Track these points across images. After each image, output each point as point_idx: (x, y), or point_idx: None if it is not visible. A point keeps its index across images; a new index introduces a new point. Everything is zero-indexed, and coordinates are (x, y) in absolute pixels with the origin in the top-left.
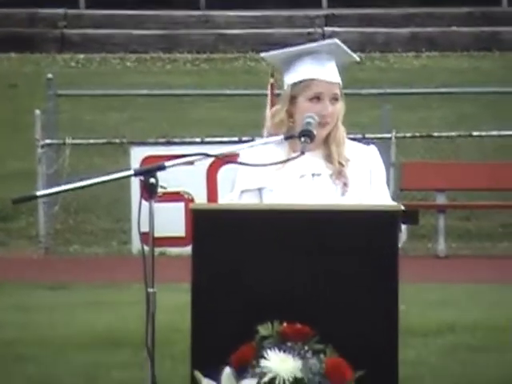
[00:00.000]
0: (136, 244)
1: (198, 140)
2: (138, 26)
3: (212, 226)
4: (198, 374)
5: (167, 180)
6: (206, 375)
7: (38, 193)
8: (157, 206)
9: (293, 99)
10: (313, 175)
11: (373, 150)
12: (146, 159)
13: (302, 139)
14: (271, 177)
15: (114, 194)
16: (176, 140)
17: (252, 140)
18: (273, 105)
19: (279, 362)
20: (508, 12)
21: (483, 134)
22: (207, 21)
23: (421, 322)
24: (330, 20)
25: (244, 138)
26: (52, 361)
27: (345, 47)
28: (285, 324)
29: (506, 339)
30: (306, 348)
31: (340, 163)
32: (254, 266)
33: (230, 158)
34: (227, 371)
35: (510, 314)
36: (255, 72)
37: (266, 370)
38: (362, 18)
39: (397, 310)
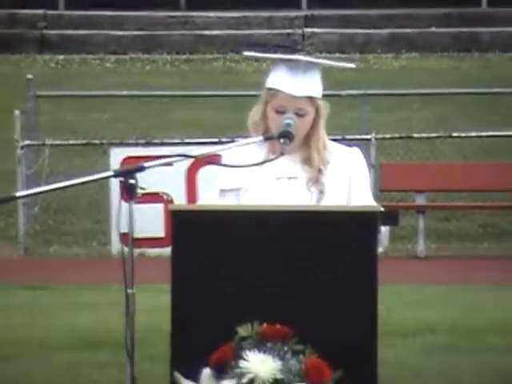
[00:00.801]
0: (116, 245)
1: (177, 141)
2: (118, 27)
3: (191, 227)
4: (177, 375)
5: (146, 180)
6: (185, 376)
7: (18, 194)
8: (136, 206)
9: (266, 103)
10: (289, 178)
11: (355, 152)
12: (126, 160)
13: (282, 140)
14: (248, 177)
15: (93, 194)
16: (156, 141)
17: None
18: None
19: (259, 362)
20: (487, 12)
21: (463, 135)
22: (187, 22)
23: (400, 322)
24: (309, 21)
25: (224, 139)
26: (32, 361)
27: (330, 62)
28: (264, 325)
29: (485, 340)
30: (286, 349)
31: (319, 169)
32: (234, 267)
33: (211, 159)
34: (206, 372)
35: (490, 315)
36: (235, 72)
37: (245, 370)
38: (341, 18)
39: (376, 311)
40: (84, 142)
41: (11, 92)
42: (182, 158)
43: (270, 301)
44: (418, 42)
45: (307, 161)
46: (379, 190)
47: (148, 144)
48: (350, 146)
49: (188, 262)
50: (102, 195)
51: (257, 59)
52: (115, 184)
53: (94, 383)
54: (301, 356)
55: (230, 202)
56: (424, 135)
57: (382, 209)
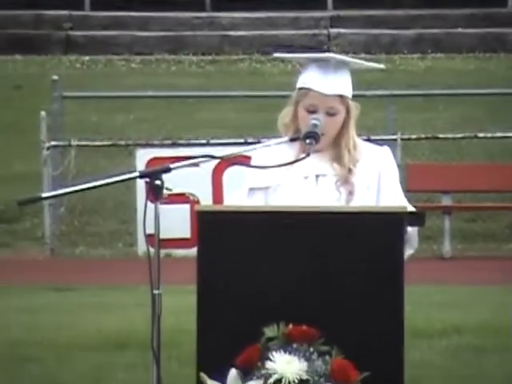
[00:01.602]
0: (142, 246)
1: (203, 141)
2: (143, 28)
3: (217, 228)
4: (203, 376)
5: (173, 182)
6: (211, 377)
7: (44, 194)
8: (162, 207)
9: (296, 103)
10: (317, 176)
11: (385, 151)
12: (152, 161)
13: (308, 141)
14: (277, 177)
15: (119, 195)
16: (181, 142)
17: (258, 142)
18: None
19: (285, 363)
20: None
21: (488, 135)
22: (212, 22)
23: (426, 323)
24: (335, 21)
25: (249, 140)
26: (57, 362)
27: (360, 62)
28: (290, 325)
29: (511, 340)
30: (312, 349)
31: (349, 169)
32: (260, 268)
33: (238, 160)
34: (233, 373)
35: None
36: (260, 73)
37: (271, 371)
38: (367, 19)
39: (403, 312)
40: (110, 142)
41: (37, 93)
42: (208, 158)
43: (297, 301)
44: (444, 43)
45: (337, 159)
46: (405, 191)
47: (174, 145)
48: (380, 145)
49: (214, 262)
50: (128, 196)
51: (282, 60)
52: (141, 185)
53: None
54: (327, 357)
55: (258, 200)
56: (450, 136)
57: (412, 209)
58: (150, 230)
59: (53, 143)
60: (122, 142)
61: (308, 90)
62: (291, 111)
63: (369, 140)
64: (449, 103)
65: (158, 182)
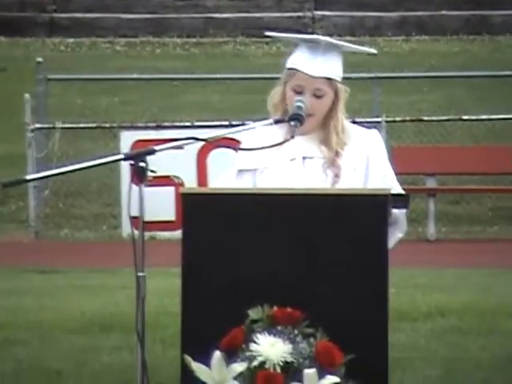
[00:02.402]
0: (126, 228)
1: (187, 124)
2: (128, 10)
3: (202, 210)
4: (187, 358)
5: (157, 164)
6: (196, 359)
7: (28, 177)
8: (147, 190)
9: (285, 84)
10: (304, 158)
11: (374, 134)
12: (136, 143)
13: (292, 123)
14: (265, 159)
15: (103, 178)
16: (166, 124)
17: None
18: None
19: (269, 345)
20: None
21: (473, 117)
22: (197, 5)
23: (411, 305)
24: (319, 4)
25: (234, 122)
26: (41, 345)
27: (352, 46)
28: (275, 308)
29: (496, 323)
30: (296, 332)
31: (336, 152)
32: (244, 250)
33: (225, 142)
34: (217, 355)
35: (500, 298)
36: (245, 56)
37: (255, 353)
38: (351, 2)
39: (387, 294)
40: (94, 125)
41: (21, 75)
42: (192, 140)
43: (282, 284)
44: (428, 25)
45: (325, 142)
46: None
47: (158, 127)
48: (369, 128)
49: (199, 245)
50: (113, 179)
51: (267, 42)
52: (126, 167)
53: (104, 366)
54: (311, 339)
55: (246, 182)
56: (434, 118)
57: (400, 191)
58: (135, 213)
59: (37, 125)
60: (107, 125)
61: (295, 70)
62: (280, 92)
63: (354, 122)
64: (433, 86)
65: (142, 165)
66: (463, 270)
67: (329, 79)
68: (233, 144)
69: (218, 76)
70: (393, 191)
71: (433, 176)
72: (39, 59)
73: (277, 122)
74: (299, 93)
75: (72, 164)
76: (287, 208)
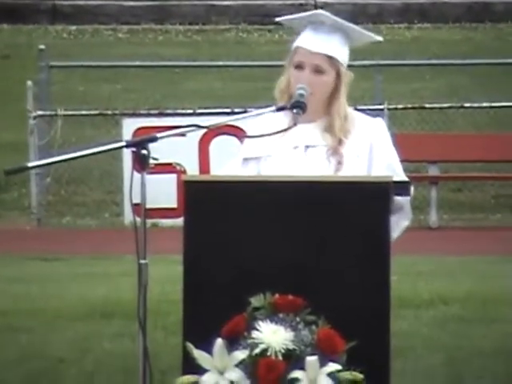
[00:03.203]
0: (128, 215)
1: (190, 111)
2: None
3: (204, 198)
4: (189, 346)
5: (159, 151)
6: (197, 347)
7: (30, 164)
8: (149, 177)
9: (289, 64)
10: (306, 147)
11: (378, 122)
12: (138, 130)
13: (294, 111)
14: (268, 146)
15: (105, 165)
16: (168, 111)
17: (244, 111)
18: None
19: (271, 333)
20: None
21: (475, 105)
22: None
23: (413, 293)
24: None
25: (236, 110)
26: (44, 331)
27: (358, 28)
28: (277, 295)
29: (498, 310)
30: (298, 319)
31: (339, 139)
32: (246, 237)
33: (230, 131)
34: (219, 342)
35: (502, 286)
36: (247, 43)
37: (257, 341)
38: None
39: (389, 282)
40: (96, 112)
41: (24, 63)
42: (195, 128)
43: (284, 271)
44: (430, 13)
45: (328, 129)
46: None
47: (160, 114)
48: (373, 116)
49: (200, 232)
50: (115, 166)
51: (269, 30)
52: (128, 154)
53: (106, 353)
54: (313, 327)
55: (251, 170)
56: (436, 105)
57: (405, 179)
58: (137, 200)
59: (39, 113)
60: (109, 112)
61: (297, 47)
62: (286, 76)
63: (356, 110)
64: (435, 73)
65: (144, 152)
66: (465, 258)
67: (330, 58)
68: (235, 131)
69: (220, 63)
70: (395, 178)
71: (435, 163)
72: (41, 46)
73: (279, 109)
74: (300, 68)
75: (74, 151)
76: (288, 195)
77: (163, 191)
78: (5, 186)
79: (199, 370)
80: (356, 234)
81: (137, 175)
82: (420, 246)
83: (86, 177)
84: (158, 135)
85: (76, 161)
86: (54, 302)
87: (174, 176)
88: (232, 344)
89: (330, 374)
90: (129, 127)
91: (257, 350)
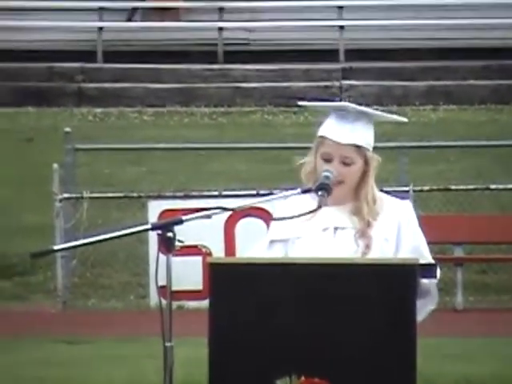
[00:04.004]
0: (154, 298)
1: (215, 193)
2: (155, 80)
3: (229, 280)
4: None
5: (185, 233)
6: None
7: (56, 247)
8: (174, 259)
9: (315, 152)
10: (335, 229)
11: (406, 204)
12: (164, 213)
13: (319, 193)
14: (296, 228)
15: (131, 247)
16: (193, 193)
17: (270, 193)
18: None
19: None
20: None
21: (500, 187)
22: (224, 74)
23: (438, 375)
24: (347, 73)
25: (261, 192)
26: None
27: (381, 114)
28: (303, 378)
29: None
30: None
31: (368, 221)
32: (272, 320)
33: (255, 213)
34: None
35: None
36: (273, 125)
37: None
38: (379, 71)
39: (415, 365)
40: (122, 194)
41: (49, 145)
42: (220, 210)
43: (309, 354)
44: (455, 94)
45: (356, 212)
46: None
47: (186, 197)
48: (402, 198)
49: (226, 315)
50: (140, 248)
51: (294, 112)
52: (153, 237)
53: None
54: None
55: (277, 252)
56: (462, 187)
57: (431, 261)
58: (162, 282)
59: (65, 195)
60: (134, 194)
61: (324, 138)
62: (312, 160)
63: (381, 191)
64: (461, 155)
65: (169, 234)
66: (491, 340)
67: (357, 147)
68: (260, 213)
69: (245, 145)
70: (421, 261)
71: (460, 245)
72: (67, 129)
73: (304, 191)
74: (328, 160)
75: (100, 234)
76: (315, 277)
77: (189, 273)
78: (31, 269)
79: None
80: (383, 317)
81: (162, 257)
82: (446, 328)
83: (112, 259)
84: (184, 218)
85: (102, 243)
86: None
87: (199, 258)
88: None
89: None
90: (154, 209)
91: None
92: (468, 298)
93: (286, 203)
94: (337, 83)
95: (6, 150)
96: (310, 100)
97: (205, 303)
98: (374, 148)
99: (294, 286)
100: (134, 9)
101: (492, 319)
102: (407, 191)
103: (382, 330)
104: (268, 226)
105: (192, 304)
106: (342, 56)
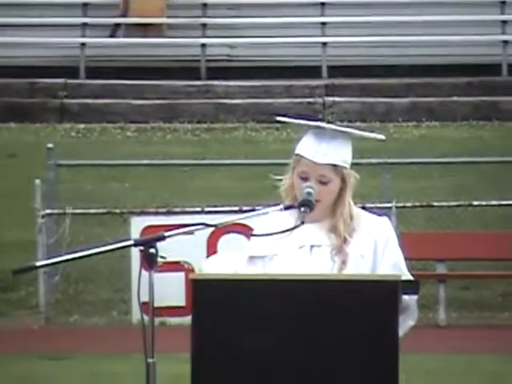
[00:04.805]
0: (136, 314)
1: (198, 209)
2: (138, 96)
3: (212, 296)
4: None
5: (167, 249)
6: None
7: (38, 263)
8: (157, 275)
9: (292, 170)
10: (312, 247)
11: (384, 221)
12: (146, 229)
13: (302, 209)
14: (274, 245)
15: (114, 263)
16: (176, 210)
17: (252, 209)
18: None
19: None
20: (507, 81)
21: (483, 203)
22: (207, 90)
23: None
24: (330, 90)
25: (244, 208)
26: None
27: (359, 132)
28: None
29: None
30: None
31: (344, 238)
32: (254, 336)
33: (238, 229)
34: None
35: None
36: (255, 142)
37: None
38: (362, 87)
39: (397, 380)
40: (104, 210)
41: (32, 161)
42: (203, 226)
43: (292, 370)
44: (438, 111)
45: (333, 229)
46: None
47: (168, 213)
48: (379, 215)
49: (208, 331)
50: (123, 264)
51: (277, 128)
52: (136, 253)
53: None
54: None
55: (257, 268)
56: (444, 204)
57: (409, 278)
58: (145, 298)
59: (48, 211)
60: (117, 210)
61: (300, 157)
62: (289, 177)
63: (364, 208)
64: (444, 171)
65: (152, 250)
66: (474, 356)
67: (334, 166)
68: (243, 230)
69: (228, 162)
70: (403, 277)
71: (443, 262)
72: (50, 145)
73: (286, 208)
74: (305, 179)
75: (82, 250)
76: (298, 294)
77: (171, 289)
78: (12, 285)
79: None
80: (364, 333)
81: (145, 273)
82: (428, 345)
83: (95, 275)
84: (166, 234)
85: (84, 259)
86: None
87: (182, 274)
88: None
89: None
90: (137, 226)
91: None
92: (451, 315)
93: (265, 219)
94: (320, 100)
95: None
96: (292, 116)
97: (187, 319)
98: (357, 164)
99: (276, 302)
100: (117, 25)
101: (475, 335)
102: (390, 207)
103: (364, 346)
104: (248, 241)
105: (174, 320)
106: (324, 72)
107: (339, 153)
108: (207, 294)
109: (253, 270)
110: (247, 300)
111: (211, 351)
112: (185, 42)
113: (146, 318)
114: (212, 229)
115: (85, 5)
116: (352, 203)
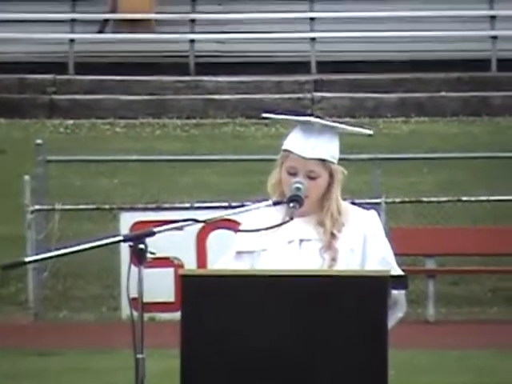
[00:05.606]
0: (125, 309)
1: (187, 205)
2: (127, 92)
3: (201, 292)
4: None
5: (156, 245)
6: None
7: (27, 259)
8: (146, 271)
9: (280, 165)
10: (301, 241)
11: (372, 214)
12: (136, 225)
13: (291, 204)
14: (262, 241)
15: (103, 259)
16: (165, 205)
17: (242, 205)
18: None
19: None
20: (497, 77)
21: (472, 199)
22: (196, 86)
23: None
24: (319, 85)
25: (233, 204)
26: None
27: (347, 127)
28: None
29: None
30: None
31: (332, 233)
32: (243, 331)
33: (224, 224)
34: None
35: (500, 380)
36: (244, 137)
37: None
38: (351, 83)
39: (386, 376)
40: (94, 206)
41: (21, 157)
42: (192, 222)
43: (282, 365)
44: (427, 106)
45: (321, 224)
46: None
47: (158, 209)
48: (367, 209)
49: (197, 326)
50: (112, 260)
51: (266, 124)
52: (125, 249)
53: None
54: None
55: (245, 264)
56: (434, 199)
57: (399, 272)
58: (134, 294)
59: (37, 207)
60: (106, 206)
61: (289, 152)
62: (277, 173)
63: (353, 203)
64: (433, 167)
65: (141, 246)
66: (463, 352)
67: (322, 161)
68: (232, 225)
69: (217, 157)
70: (392, 272)
71: (432, 257)
72: (39, 141)
73: (276, 203)
74: (293, 174)
75: (71, 246)
76: (287, 289)
77: (161, 285)
78: (1, 281)
79: None
80: (354, 328)
81: (134, 269)
82: (417, 340)
83: (84, 271)
84: (155, 229)
85: (73, 255)
86: None
87: (171, 270)
88: None
89: None
90: (126, 221)
91: None
92: (440, 310)
93: (252, 215)
94: (309, 95)
95: None
96: (281, 112)
97: (177, 315)
98: (347, 160)
99: (266, 297)
100: (106, 20)
101: (464, 331)
102: (379, 203)
103: (353, 341)
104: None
105: (164, 316)
106: (313, 68)
107: (327, 148)
108: (196, 290)
109: (240, 265)
110: (237, 295)
111: (200, 347)
112: (174, 37)
113: (135, 313)
114: (201, 225)
115: (73, 0)
116: (340, 198)
